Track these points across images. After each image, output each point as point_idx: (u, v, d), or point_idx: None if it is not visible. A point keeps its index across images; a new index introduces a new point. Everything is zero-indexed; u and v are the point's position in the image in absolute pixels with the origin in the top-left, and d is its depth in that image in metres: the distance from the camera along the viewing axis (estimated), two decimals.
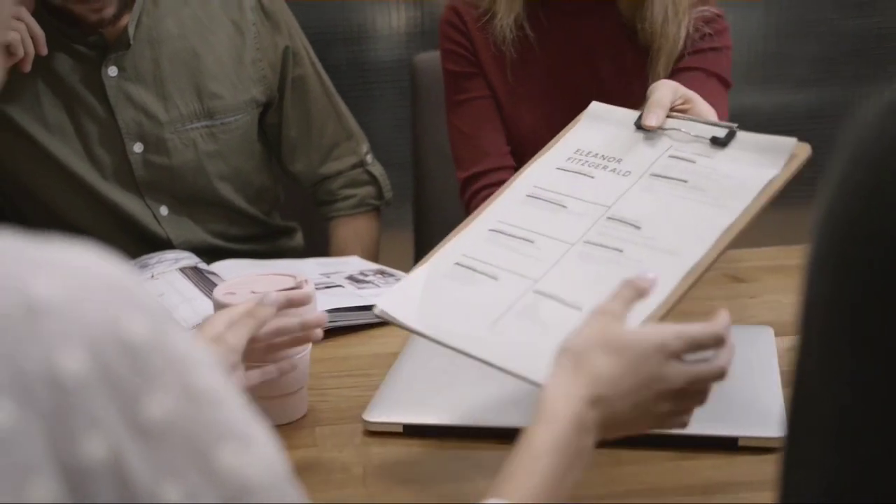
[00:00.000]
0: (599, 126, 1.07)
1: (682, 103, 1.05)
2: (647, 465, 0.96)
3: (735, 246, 0.92)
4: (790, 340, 0.59)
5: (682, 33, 1.39)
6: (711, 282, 1.40)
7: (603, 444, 0.97)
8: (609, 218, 0.96)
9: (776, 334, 1.18)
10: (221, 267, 1.44)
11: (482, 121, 1.51)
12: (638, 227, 0.93)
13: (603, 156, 1.03)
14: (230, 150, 1.56)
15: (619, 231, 0.94)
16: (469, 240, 1.02)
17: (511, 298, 0.93)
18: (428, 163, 1.85)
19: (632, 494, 0.92)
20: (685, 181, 0.96)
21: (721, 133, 0.99)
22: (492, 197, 1.05)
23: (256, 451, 0.47)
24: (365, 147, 1.71)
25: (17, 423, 0.40)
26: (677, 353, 0.78)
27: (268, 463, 0.48)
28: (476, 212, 1.04)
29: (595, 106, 1.08)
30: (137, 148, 1.50)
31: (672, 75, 1.39)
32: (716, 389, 1.04)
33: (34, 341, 0.41)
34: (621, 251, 0.92)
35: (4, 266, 0.43)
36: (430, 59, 1.83)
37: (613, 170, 1.01)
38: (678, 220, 0.93)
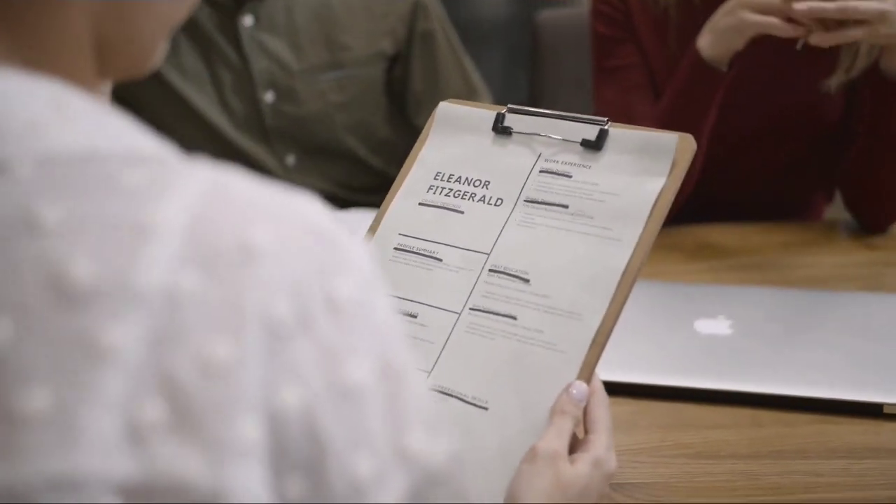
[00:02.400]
0: (454, 135, 0.90)
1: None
2: (791, 426, 0.96)
3: None
4: None
5: None
6: (844, 250, 1.39)
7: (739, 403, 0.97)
8: (491, 271, 0.82)
9: None
10: (348, 216, 1.46)
11: (633, 89, 1.45)
12: (527, 281, 0.80)
13: (467, 179, 0.87)
14: (357, 102, 1.58)
15: (506, 289, 0.80)
16: None
17: None
18: None
19: (776, 455, 0.92)
20: (565, 206, 0.82)
21: (591, 134, 0.84)
22: None
23: (444, 440, 0.46)
24: (488, 102, 1.71)
25: (236, 358, 0.40)
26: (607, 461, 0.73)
27: (453, 454, 0.47)
28: None
29: (444, 107, 0.91)
30: (269, 97, 1.53)
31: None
32: (860, 355, 1.03)
33: (250, 283, 0.41)
34: (515, 318, 0.79)
35: (224, 207, 0.43)
36: (553, 17, 1.82)
37: (482, 198, 0.86)
38: (569, 266, 0.79)
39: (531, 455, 0.69)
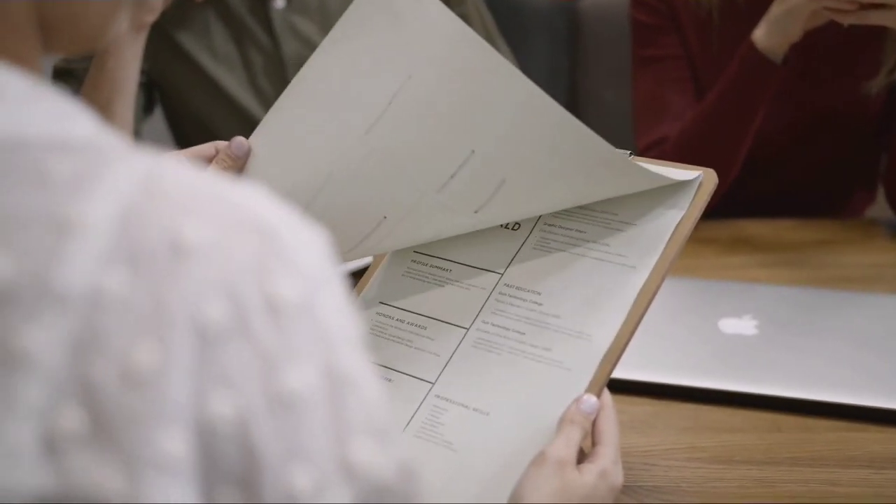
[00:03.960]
0: None
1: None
2: (810, 433, 0.93)
3: None
4: None
5: None
6: (882, 250, 1.35)
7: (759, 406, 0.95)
8: (504, 288, 0.82)
9: None
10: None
11: (672, 81, 1.42)
12: (538, 301, 0.79)
13: None
14: None
15: (517, 307, 0.80)
16: None
17: (409, 409, 0.80)
18: (586, 115, 1.82)
19: (793, 462, 0.89)
20: (582, 231, 0.82)
21: None
22: (369, 270, 0.90)
23: (393, 449, 0.44)
24: None
25: (161, 366, 0.38)
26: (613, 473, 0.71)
27: (403, 462, 0.44)
28: (360, 285, 0.89)
29: None
30: None
31: None
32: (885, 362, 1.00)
33: (180, 283, 0.39)
34: (523, 334, 0.79)
35: (161, 199, 0.40)
36: (596, 4, 1.78)
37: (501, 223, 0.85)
38: (581, 289, 0.79)
39: (540, 459, 0.69)
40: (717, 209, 1.34)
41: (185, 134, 1.60)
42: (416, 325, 0.84)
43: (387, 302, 0.87)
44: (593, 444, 0.72)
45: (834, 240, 1.37)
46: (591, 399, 0.72)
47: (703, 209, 0.79)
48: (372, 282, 0.89)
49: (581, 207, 0.82)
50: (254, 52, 1.50)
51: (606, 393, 0.74)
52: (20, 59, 0.44)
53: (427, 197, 0.80)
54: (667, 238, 0.78)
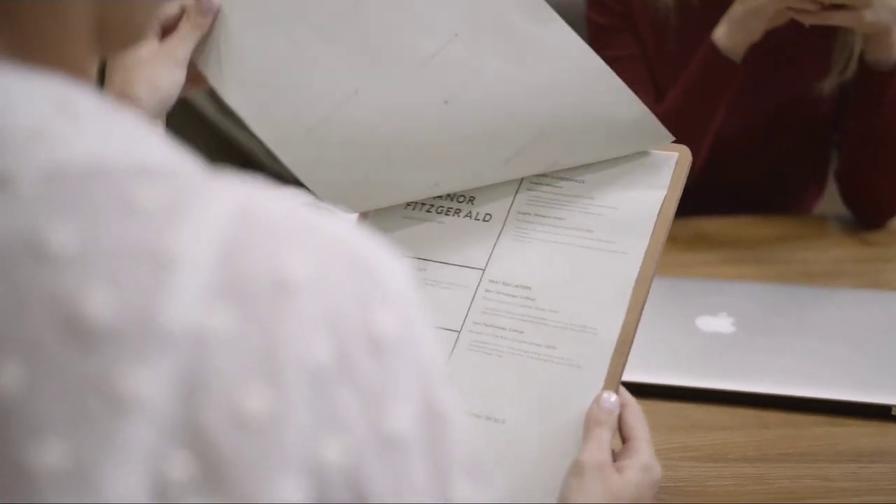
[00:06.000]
0: None
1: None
2: (797, 428, 0.94)
3: None
4: None
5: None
6: (839, 244, 1.38)
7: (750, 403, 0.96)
8: (490, 285, 0.78)
9: None
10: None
11: (630, 82, 1.41)
12: (530, 297, 0.76)
13: (448, 194, 0.82)
14: None
15: (508, 304, 0.77)
16: None
17: None
18: None
19: (782, 458, 0.90)
20: (561, 219, 0.78)
21: None
22: None
23: (490, 489, 0.42)
24: None
25: (275, 410, 0.35)
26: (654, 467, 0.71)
27: (499, 500, 0.43)
28: None
29: None
30: None
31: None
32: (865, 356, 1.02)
33: (287, 322, 0.36)
34: (521, 333, 0.75)
35: (259, 231, 0.38)
36: (555, 5, 1.78)
37: (469, 214, 0.81)
38: (574, 280, 0.76)
39: (577, 469, 0.67)
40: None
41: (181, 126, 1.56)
42: None
43: None
44: (624, 440, 0.71)
45: (792, 235, 1.40)
46: (612, 396, 0.71)
47: (682, 189, 0.78)
48: None
49: (553, 190, 0.80)
50: None
51: (623, 388, 0.73)
52: (79, 69, 0.41)
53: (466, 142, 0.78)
54: (654, 220, 0.76)
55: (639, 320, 0.74)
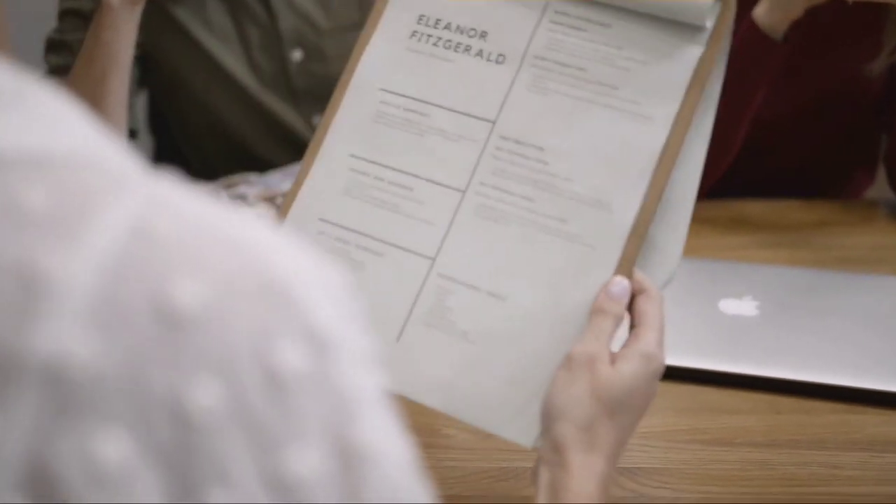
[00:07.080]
0: None
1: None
2: (810, 415, 0.92)
3: None
4: None
5: None
6: (882, 231, 1.34)
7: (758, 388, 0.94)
8: (502, 141, 0.70)
9: None
10: None
11: None
12: (543, 158, 0.68)
13: (458, 27, 0.73)
14: None
15: (520, 166, 0.69)
16: (322, 196, 0.73)
17: (410, 291, 0.70)
18: None
19: (793, 444, 0.88)
20: (583, 70, 0.69)
21: None
22: (329, 109, 0.74)
23: None
24: None
25: (131, 461, 0.31)
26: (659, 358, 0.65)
27: None
28: (315, 138, 0.74)
29: None
30: (297, 56, 1.50)
31: None
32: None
33: (163, 362, 0.32)
34: (531, 201, 0.68)
35: (152, 244, 0.33)
36: None
37: (480, 52, 0.72)
38: (593, 145, 0.68)
39: (567, 361, 0.62)
40: (717, 190, 1.33)
41: (178, 108, 1.58)
42: (399, 186, 0.71)
43: (358, 154, 0.73)
44: (632, 326, 0.65)
45: (834, 221, 1.36)
46: (623, 282, 0.64)
47: (725, 48, 0.68)
48: (332, 129, 0.74)
49: (577, 33, 0.71)
50: (250, 26, 1.48)
51: (639, 273, 0.66)
52: None
53: None
54: (687, 81, 0.67)
55: (658, 201, 0.66)
